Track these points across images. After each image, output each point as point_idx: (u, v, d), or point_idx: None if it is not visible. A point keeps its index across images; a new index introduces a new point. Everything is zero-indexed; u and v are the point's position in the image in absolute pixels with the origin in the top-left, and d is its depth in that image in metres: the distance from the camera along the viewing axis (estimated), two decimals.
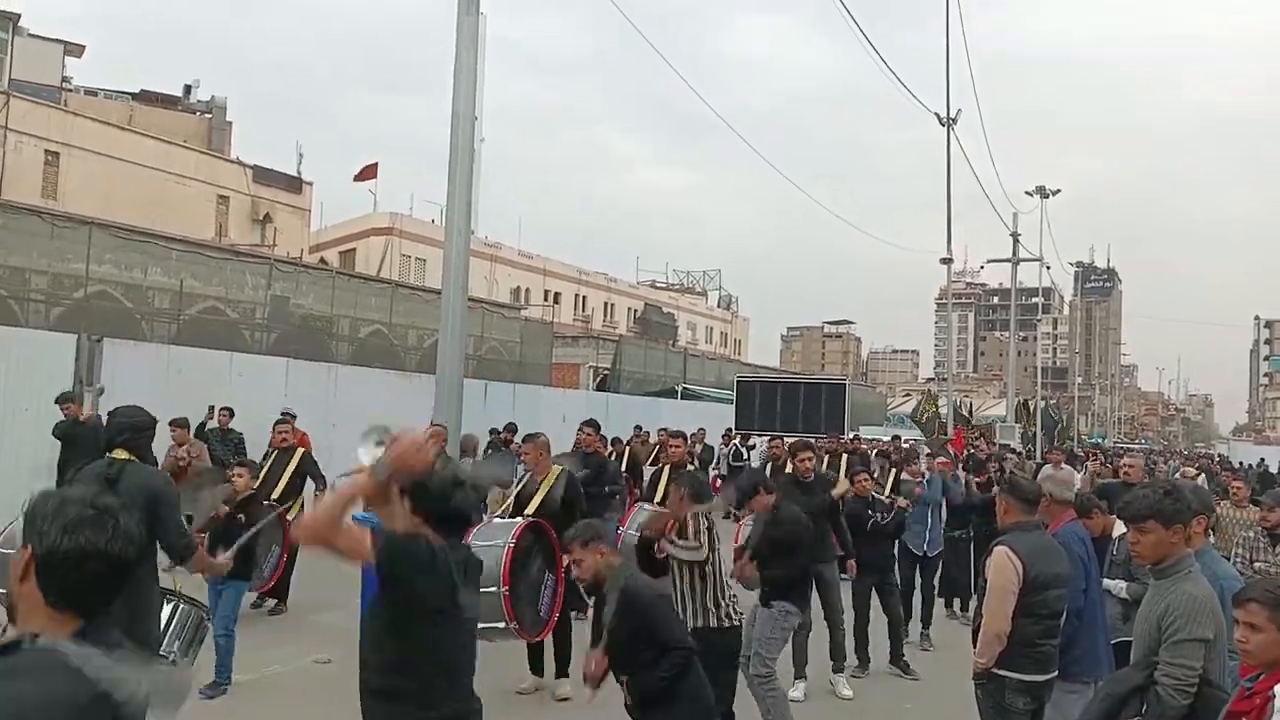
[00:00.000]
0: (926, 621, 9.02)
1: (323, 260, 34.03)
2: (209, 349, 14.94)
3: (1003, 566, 4.36)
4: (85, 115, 29.50)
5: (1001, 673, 4.36)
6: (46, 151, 27.35)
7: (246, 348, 17.80)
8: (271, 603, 8.78)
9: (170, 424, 9.42)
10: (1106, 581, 5.42)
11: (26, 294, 16.36)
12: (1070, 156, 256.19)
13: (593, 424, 9.36)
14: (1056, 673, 4.48)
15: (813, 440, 8.85)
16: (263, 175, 34.18)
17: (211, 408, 12.05)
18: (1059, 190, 39.03)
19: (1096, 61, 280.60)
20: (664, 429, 16.30)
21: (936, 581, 9.31)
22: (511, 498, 7.01)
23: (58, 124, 27.81)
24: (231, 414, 11.90)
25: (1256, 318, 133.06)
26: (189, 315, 18.33)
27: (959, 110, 26.86)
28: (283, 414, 11.17)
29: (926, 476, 9.59)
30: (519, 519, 6.37)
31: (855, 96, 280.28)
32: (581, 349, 34.73)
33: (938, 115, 26.42)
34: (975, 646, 4.56)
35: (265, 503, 8.07)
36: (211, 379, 12.96)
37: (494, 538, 5.98)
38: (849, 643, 7.56)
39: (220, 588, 6.33)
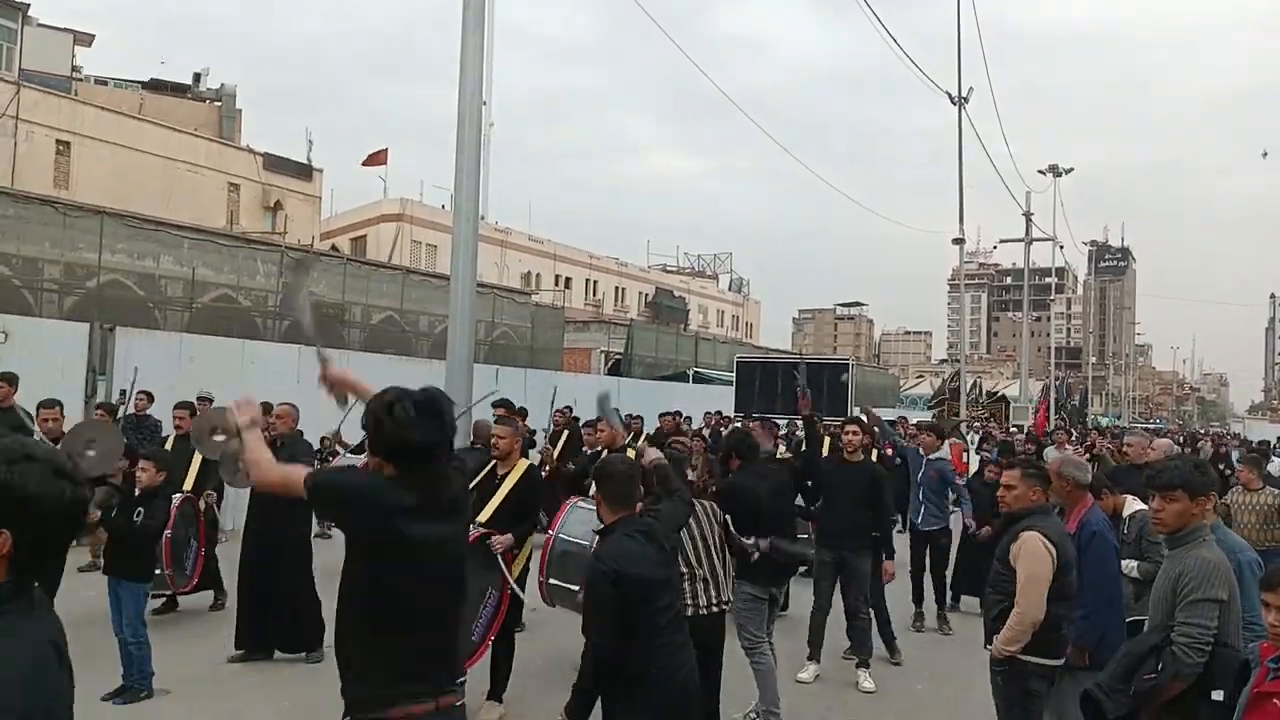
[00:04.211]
0: (942, 603, 8.94)
1: (334, 247, 34.13)
2: (221, 337, 15.03)
3: (1040, 554, 4.26)
4: (95, 104, 29.52)
5: (1025, 658, 4.30)
6: (57, 141, 27.41)
7: (259, 335, 17.88)
8: (211, 600, 8.28)
9: (39, 406, 7.83)
10: None
11: (39, 284, 16.45)
12: (1084, 135, 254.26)
13: (505, 404, 7.95)
14: (1064, 659, 4.43)
15: (861, 417, 8.25)
16: (273, 163, 34.19)
17: (123, 391, 10.59)
18: (1072, 169, 38.63)
19: (1109, 39, 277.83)
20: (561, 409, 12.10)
21: (949, 573, 9.09)
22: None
23: (68, 114, 27.86)
24: (150, 399, 10.68)
25: (1272, 295, 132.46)
26: (201, 303, 18.42)
27: (970, 89, 26.58)
28: (199, 396, 10.31)
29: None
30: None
31: (868, 78, 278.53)
32: (593, 333, 34.72)
33: (949, 94, 26.17)
34: (991, 631, 4.50)
35: (180, 495, 7.50)
36: (224, 367, 13.03)
37: None
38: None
39: (118, 590, 5.90)
